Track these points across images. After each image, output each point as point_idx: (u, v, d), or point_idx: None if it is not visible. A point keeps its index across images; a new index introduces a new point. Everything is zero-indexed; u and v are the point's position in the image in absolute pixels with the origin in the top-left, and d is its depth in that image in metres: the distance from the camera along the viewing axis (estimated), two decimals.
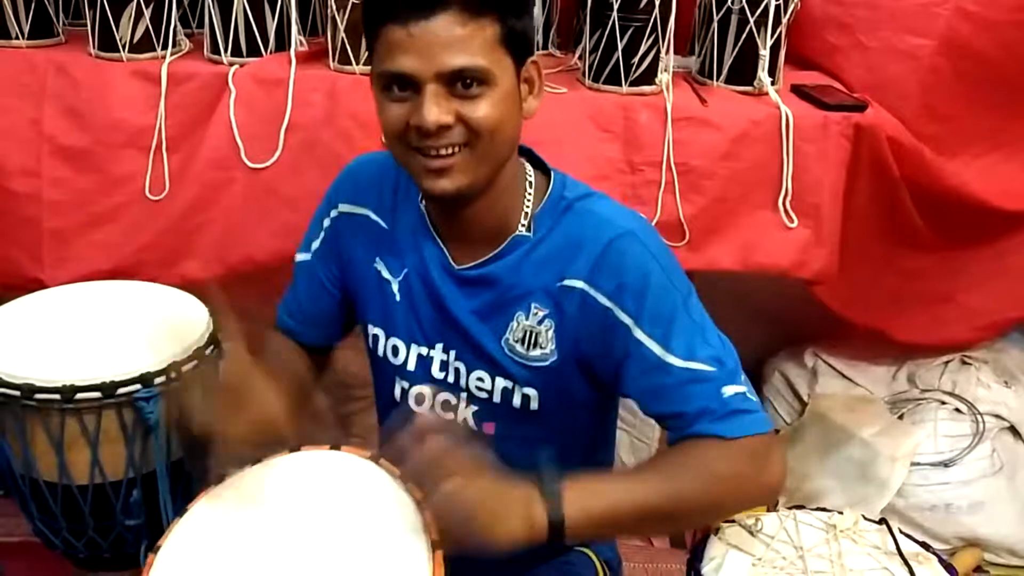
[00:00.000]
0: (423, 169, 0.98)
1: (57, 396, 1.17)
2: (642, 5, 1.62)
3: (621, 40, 1.64)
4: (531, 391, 1.07)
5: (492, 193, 1.03)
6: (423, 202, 1.10)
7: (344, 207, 1.16)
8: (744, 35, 1.69)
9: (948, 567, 1.04)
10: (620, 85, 1.67)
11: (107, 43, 1.69)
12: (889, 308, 1.94)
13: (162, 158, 1.67)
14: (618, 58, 1.65)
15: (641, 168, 1.66)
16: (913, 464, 1.95)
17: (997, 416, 2.02)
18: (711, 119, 1.65)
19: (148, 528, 1.27)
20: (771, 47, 1.69)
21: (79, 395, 1.18)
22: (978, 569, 1.97)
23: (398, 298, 1.12)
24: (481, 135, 0.96)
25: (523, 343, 1.05)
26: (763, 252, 1.71)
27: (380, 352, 1.15)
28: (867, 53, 1.81)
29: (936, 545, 1.42)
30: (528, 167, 1.09)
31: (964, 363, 2.11)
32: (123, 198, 1.69)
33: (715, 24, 1.71)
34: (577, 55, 1.83)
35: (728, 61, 1.72)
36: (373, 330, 1.15)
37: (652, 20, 1.63)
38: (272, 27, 1.71)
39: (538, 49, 1.80)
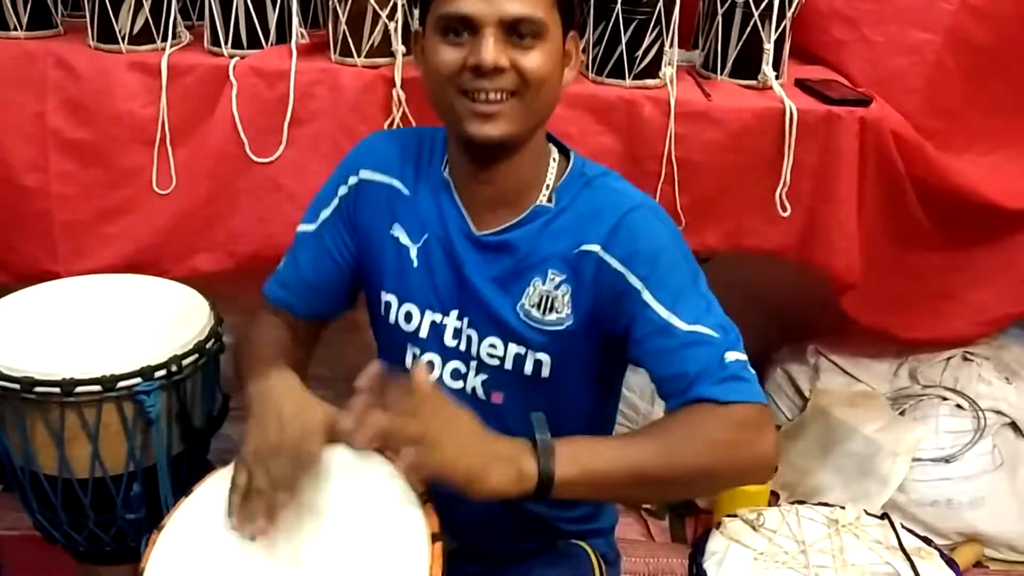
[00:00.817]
0: (470, 112, 1.00)
1: (57, 390, 1.17)
2: None
3: (625, 33, 1.63)
4: (544, 356, 1.08)
5: (522, 155, 1.06)
6: (446, 169, 1.12)
7: (366, 174, 1.17)
8: (748, 29, 1.68)
9: (950, 562, 1.03)
10: (623, 79, 1.66)
11: (106, 35, 1.68)
12: (893, 306, 1.93)
13: (167, 152, 1.66)
14: (622, 51, 1.65)
15: (642, 161, 1.66)
16: (914, 460, 1.94)
17: (998, 412, 2.02)
18: (714, 114, 1.64)
19: (149, 522, 1.27)
20: (775, 41, 1.69)
21: (79, 388, 1.17)
22: (978, 564, 1.97)
23: (416, 264, 1.12)
24: (530, 84, 0.99)
25: (539, 308, 1.07)
26: (751, 235, 1.73)
27: (392, 319, 1.15)
28: (872, 47, 1.80)
29: (936, 540, 1.41)
30: (551, 145, 1.12)
31: (965, 359, 2.10)
32: (131, 192, 1.69)
33: (719, 18, 1.70)
34: (580, 48, 1.82)
35: (732, 55, 1.71)
36: (386, 297, 1.15)
37: (656, 13, 1.62)
38: (273, 19, 1.70)
39: None
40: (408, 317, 1.14)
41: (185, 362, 1.24)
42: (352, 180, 1.17)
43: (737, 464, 0.99)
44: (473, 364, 1.12)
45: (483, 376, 1.12)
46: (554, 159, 1.11)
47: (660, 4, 1.62)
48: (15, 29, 1.71)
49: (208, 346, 1.28)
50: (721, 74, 1.74)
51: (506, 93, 0.99)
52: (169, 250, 1.70)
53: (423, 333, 1.13)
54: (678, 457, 0.96)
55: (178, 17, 1.74)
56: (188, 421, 1.27)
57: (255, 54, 1.69)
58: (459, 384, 1.13)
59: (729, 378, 0.98)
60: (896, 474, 1.93)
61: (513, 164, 1.06)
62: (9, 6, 1.69)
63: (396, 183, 1.15)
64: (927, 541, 1.06)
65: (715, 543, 1.06)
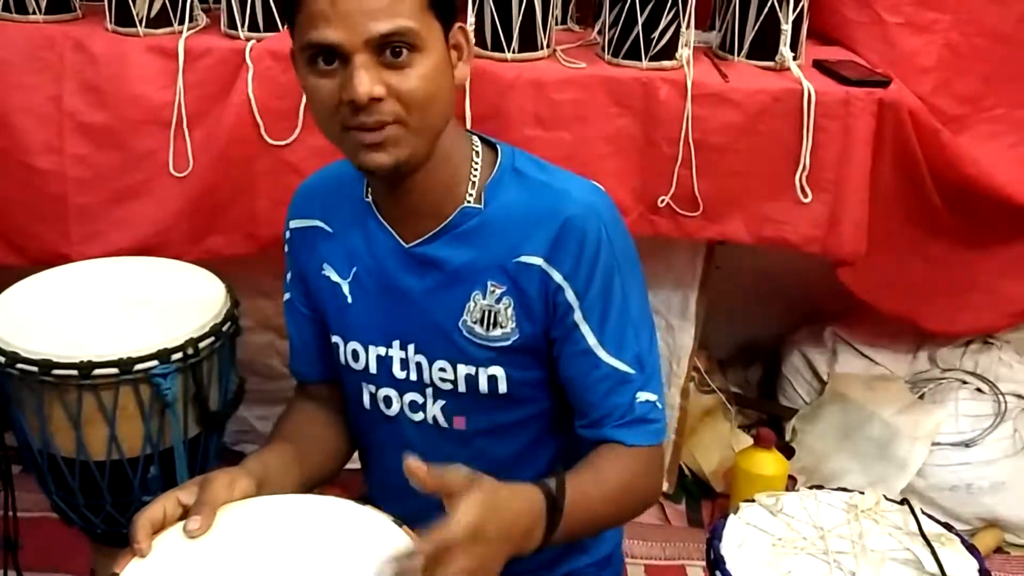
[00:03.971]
0: (359, 145, 0.93)
1: (74, 372, 1.17)
2: None
3: (641, 14, 1.62)
4: (497, 370, 1.05)
5: (433, 163, 0.99)
6: (368, 194, 1.07)
7: (295, 223, 1.14)
8: (766, 9, 1.66)
9: (971, 548, 1.02)
10: (640, 60, 1.65)
11: (124, 18, 1.68)
12: (915, 295, 1.90)
13: (183, 135, 1.66)
14: (638, 33, 1.63)
15: (659, 144, 1.65)
16: (934, 444, 1.93)
17: (1019, 396, 2.01)
18: (732, 95, 1.62)
19: None
20: (793, 21, 1.66)
21: (96, 371, 1.18)
22: (998, 550, 1.96)
23: (350, 300, 1.09)
24: (413, 107, 0.92)
25: (482, 323, 1.03)
26: (775, 226, 1.70)
27: (342, 360, 1.12)
28: (885, 28, 1.78)
29: (956, 526, 1.41)
30: (474, 138, 1.05)
31: (986, 343, 2.09)
32: (147, 175, 1.69)
33: None
34: (596, 30, 1.80)
35: (749, 36, 1.69)
36: (334, 339, 1.12)
37: None
38: None
39: (557, 24, 1.77)
40: (355, 355, 1.10)
41: (201, 345, 1.24)
42: (287, 235, 1.15)
43: (638, 505, 1.07)
44: (429, 392, 1.08)
45: (441, 402, 1.08)
46: (477, 153, 1.04)
47: None
48: (34, 13, 1.71)
49: (224, 329, 1.28)
50: (738, 55, 1.72)
51: (390, 120, 0.91)
52: (184, 233, 1.70)
53: (372, 369, 1.10)
54: (605, 505, 1.01)
55: (195, 0, 1.73)
56: (204, 404, 1.27)
57: (271, 37, 1.68)
58: (419, 416, 1.10)
59: (635, 421, 1.02)
60: (915, 459, 1.92)
61: (427, 173, 0.99)
62: None
63: (319, 223, 1.11)
64: (947, 527, 1.05)
65: (733, 528, 1.05)
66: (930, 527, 1.04)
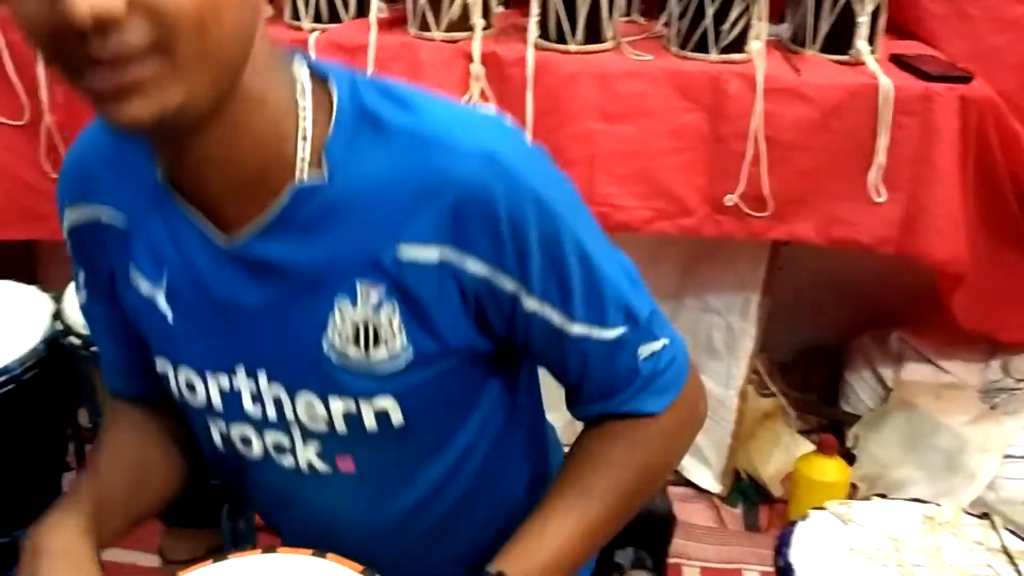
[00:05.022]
0: (96, 92, 0.60)
1: None
2: None
3: (711, 5, 1.57)
4: (387, 402, 0.75)
5: (234, 117, 0.66)
6: (160, 167, 0.74)
7: (71, 214, 0.81)
8: (842, 1, 1.61)
9: None
10: (708, 53, 1.61)
11: None
12: (994, 306, 1.81)
13: None
14: (707, 25, 1.59)
15: (727, 140, 1.60)
16: (1005, 456, 1.86)
17: None
18: (804, 90, 1.57)
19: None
20: (871, 13, 1.61)
21: None
22: None
23: (169, 316, 0.78)
24: (180, 29, 0.58)
25: (357, 343, 0.73)
26: (846, 227, 1.64)
27: (176, 391, 0.82)
28: (969, 22, 1.71)
29: None
30: (298, 69, 0.71)
31: None
32: None
33: None
34: (662, 21, 1.77)
35: (824, 28, 1.64)
36: (160, 364, 0.82)
37: None
38: None
39: (620, 15, 1.74)
40: (190, 387, 0.80)
41: None
42: (64, 228, 0.82)
43: (680, 456, 0.90)
44: (296, 433, 0.79)
45: (315, 444, 0.79)
46: (304, 98, 0.69)
47: None
48: None
49: None
50: (811, 48, 1.66)
51: (143, 52, 0.58)
52: None
53: (216, 405, 0.80)
54: (628, 496, 0.82)
55: None
56: None
57: (335, 28, 1.68)
58: (289, 461, 0.81)
59: (650, 382, 0.80)
60: (985, 471, 1.85)
61: (227, 133, 0.67)
62: None
63: (105, 214, 0.79)
64: None
65: (802, 535, 1.01)
66: (1014, 544, 0.99)
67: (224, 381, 0.78)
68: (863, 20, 1.60)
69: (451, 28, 1.63)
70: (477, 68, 1.60)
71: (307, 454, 0.80)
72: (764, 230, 1.65)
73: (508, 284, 0.72)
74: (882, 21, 1.65)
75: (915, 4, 1.78)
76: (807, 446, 1.99)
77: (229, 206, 0.71)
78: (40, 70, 1.64)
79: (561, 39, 1.62)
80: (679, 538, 1.81)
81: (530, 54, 1.58)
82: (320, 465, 0.80)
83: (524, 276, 0.72)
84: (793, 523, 1.04)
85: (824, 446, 1.85)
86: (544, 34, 1.63)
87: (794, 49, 1.69)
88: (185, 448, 0.91)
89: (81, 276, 0.86)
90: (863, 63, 1.61)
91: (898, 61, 1.66)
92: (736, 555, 1.89)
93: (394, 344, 0.73)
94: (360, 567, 0.74)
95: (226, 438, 0.82)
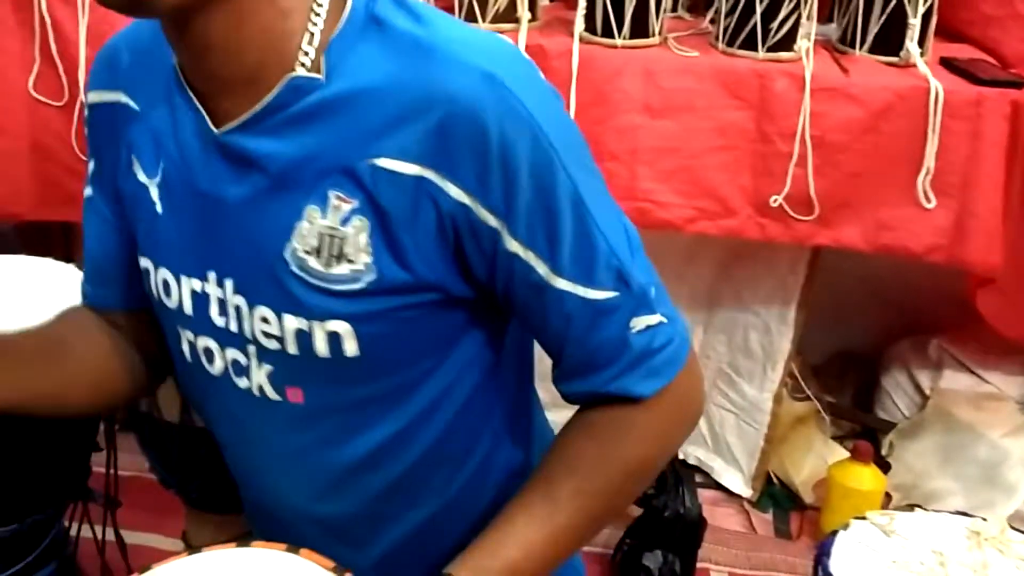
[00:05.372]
0: None
1: None
2: None
3: (760, 3, 1.55)
4: (340, 326, 0.71)
5: (236, 6, 0.66)
6: (174, 55, 0.73)
7: (93, 96, 0.82)
8: (893, 2, 1.57)
9: None
10: (756, 51, 1.58)
11: None
12: None
13: None
14: (755, 22, 1.56)
15: (773, 139, 1.58)
16: None
17: None
18: (852, 91, 1.54)
19: None
20: (922, 15, 1.58)
21: None
22: None
23: (159, 209, 0.77)
24: None
25: (319, 254, 0.70)
26: (895, 233, 1.60)
27: (154, 292, 0.81)
28: None
29: None
30: None
31: None
32: None
33: None
34: (709, 18, 1.74)
35: (873, 29, 1.61)
36: (143, 262, 0.81)
37: None
38: None
39: (667, 12, 1.71)
40: (166, 288, 0.79)
41: None
42: (86, 112, 0.84)
43: (666, 457, 0.82)
44: (252, 351, 0.76)
45: (267, 367, 0.76)
46: (319, 2, 0.68)
47: None
48: None
49: None
50: (860, 49, 1.63)
51: None
52: None
53: (187, 309, 0.78)
54: (600, 503, 0.77)
55: None
56: None
57: None
58: (244, 383, 0.78)
59: (638, 361, 0.74)
60: None
61: (230, 18, 0.66)
62: None
63: (123, 98, 0.79)
64: None
65: (843, 545, 0.99)
66: None
67: (196, 284, 0.77)
68: (914, 22, 1.57)
69: (497, 20, 1.62)
70: None
71: (259, 376, 0.77)
72: (809, 235, 1.62)
73: (490, 219, 0.69)
74: (933, 23, 1.62)
75: (969, 6, 1.75)
76: (840, 452, 1.96)
77: (227, 97, 0.70)
78: (82, 50, 1.64)
79: (607, 33, 1.60)
80: (708, 542, 1.79)
81: (575, 47, 1.56)
82: (270, 392, 0.77)
83: (509, 214, 0.68)
84: (834, 532, 1.02)
85: (858, 453, 1.82)
86: (590, 28, 1.61)
87: (842, 49, 1.66)
88: (134, 359, 0.90)
89: (91, 167, 0.86)
90: (913, 65, 1.58)
91: (948, 64, 1.63)
92: (766, 561, 1.87)
93: (357, 261, 0.70)
94: (331, 563, 0.72)
95: (193, 348, 0.80)
